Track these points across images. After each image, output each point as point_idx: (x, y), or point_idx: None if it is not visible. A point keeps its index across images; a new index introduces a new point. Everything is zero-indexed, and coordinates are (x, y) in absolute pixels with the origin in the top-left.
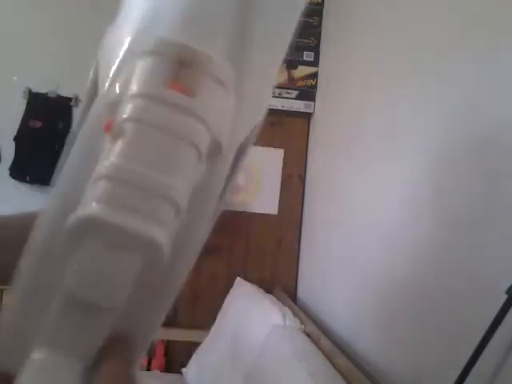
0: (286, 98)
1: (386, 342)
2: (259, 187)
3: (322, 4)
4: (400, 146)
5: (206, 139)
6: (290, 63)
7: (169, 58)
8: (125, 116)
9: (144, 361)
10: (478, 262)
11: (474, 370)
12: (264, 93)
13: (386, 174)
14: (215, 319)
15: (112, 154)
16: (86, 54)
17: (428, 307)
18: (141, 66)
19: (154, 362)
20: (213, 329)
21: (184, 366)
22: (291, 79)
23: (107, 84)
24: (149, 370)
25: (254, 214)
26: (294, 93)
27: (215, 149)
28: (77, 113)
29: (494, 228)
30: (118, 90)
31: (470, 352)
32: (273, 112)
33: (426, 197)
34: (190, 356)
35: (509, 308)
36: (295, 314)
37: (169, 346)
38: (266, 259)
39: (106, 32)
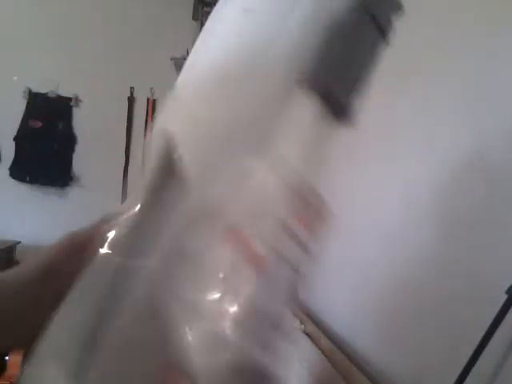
0: None
1: (385, 341)
2: None
3: None
4: (400, 146)
5: None
6: None
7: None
8: None
9: None
10: (478, 262)
11: (474, 369)
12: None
13: (386, 173)
14: None
15: None
16: (86, 54)
17: (428, 307)
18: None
19: None
20: None
21: None
22: None
23: None
24: None
25: None
26: None
27: None
28: (77, 115)
29: (494, 228)
30: None
31: (470, 352)
32: None
33: (426, 197)
34: None
35: (509, 308)
36: (295, 315)
37: None
38: None
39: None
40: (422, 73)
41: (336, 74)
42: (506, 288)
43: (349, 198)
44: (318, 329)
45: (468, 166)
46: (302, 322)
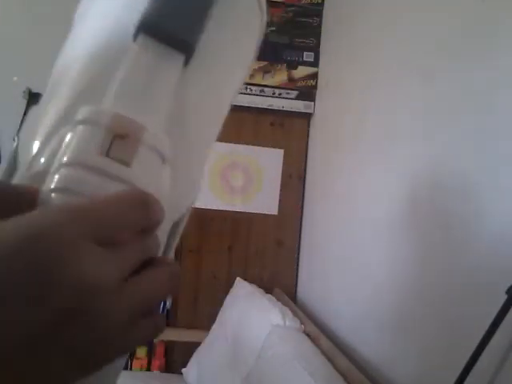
0: (286, 98)
1: (385, 341)
2: (259, 187)
3: (321, 4)
4: (400, 146)
5: None
6: (290, 63)
7: (103, 128)
8: (52, 186)
9: (144, 361)
10: (477, 262)
11: (474, 370)
12: (198, 172)
13: (386, 173)
14: (215, 319)
15: None
16: None
17: (428, 307)
18: (73, 136)
19: (153, 362)
20: (213, 329)
21: (184, 366)
22: (291, 79)
23: (32, 156)
24: (149, 370)
25: (254, 214)
26: (294, 93)
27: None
28: None
29: (495, 228)
30: (44, 161)
31: (469, 352)
32: (273, 112)
33: (426, 196)
34: (190, 356)
35: (509, 308)
36: (295, 314)
37: (169, 346)
38: (266, 259)
39: (31, 111)
40: (423, 73)
41: (177, 13)
42: (506, 288)
43: (349, 198)
44: (317, 329)
45: (467, 158)
46: (301, 322)
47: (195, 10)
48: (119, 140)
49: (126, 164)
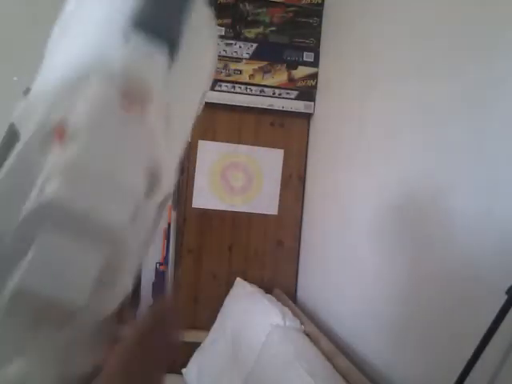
0: (286, 98)
1: (385, 342)
2: (259, 187)
3: (321, 4)
4: (400, 145)
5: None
6: (290, 63)
7: (116, 86)
8: (77, 123)
9: None
10: (477, 262)
11: (474, 370)
12: (178, 150)
13: (386, 173)
14: (215, 319)
15: (66, 155)
16: None
17: (428, 307)
18: (88, 92)
19: None
20: (213, 329)
21: (184, 366)
22: (291, 79)
23: (41, 114)
24: None
25: (254, 214)
26: (294, 93)
27: (154, 179)
28: None
29: (495, 228)
30: (62, 112)
31: (470, 352)
32: (273, 112)
33: (426, 196)
34: (190, 356)
35: (509, 308)
36: (295, 315)
37: None
38: (265, 259)
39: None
40: (423, 73)
41: (166, 12)
42: (506, 288)
43: (349, 198)
44: (317, 329)
45: (466, 154)
46: (301, 323)
47: (178, 16)
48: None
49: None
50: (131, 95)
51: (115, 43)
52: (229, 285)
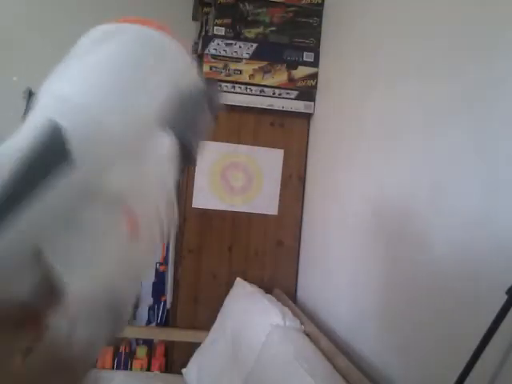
0: (286, 98)
1: (385, 342)
2: (259, 187)
3: (321, 4)
4: (400, 145)
5: None
6: (290, 63)
7: None
8: None
9: (144, 361)
10: (477, 262)
11: (474, 370)
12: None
13: (386, 173)
14: (215, 319)
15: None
16: None
17: (428, 307)
18: None
19: (153, 362)
20: (213, 329)
21: (184, 366)
22: (291, 79)
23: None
24: (149, 370)
25: (254, 214)
26: (294, 93)
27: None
28: None
29: (495, 227)
30: None
31: (470, 352)
32: (273, 112)
33: (426, 196)
34: (190, 356)
35: (509, 308)
36: (295, 315)
37: (169, 346)
38: (265, 259)
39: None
40: (422, 73)
41: (189, 127)
42: (506, 288)
43: (349, 198)
44: (317, 329)
45: (467, 155)
46: (301, 322)
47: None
48: None
49: None
50: None
51: None
52: (229, 285)
